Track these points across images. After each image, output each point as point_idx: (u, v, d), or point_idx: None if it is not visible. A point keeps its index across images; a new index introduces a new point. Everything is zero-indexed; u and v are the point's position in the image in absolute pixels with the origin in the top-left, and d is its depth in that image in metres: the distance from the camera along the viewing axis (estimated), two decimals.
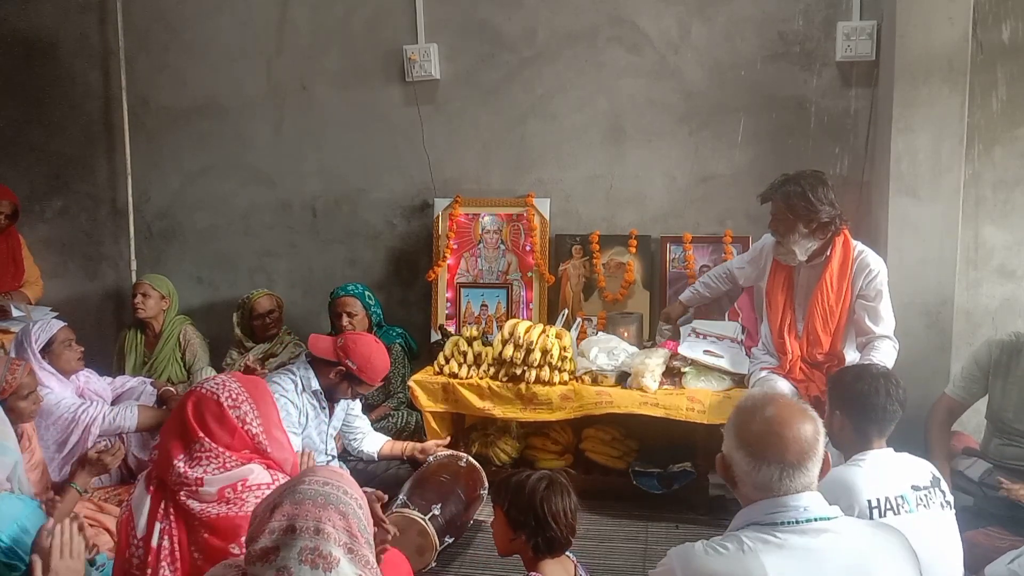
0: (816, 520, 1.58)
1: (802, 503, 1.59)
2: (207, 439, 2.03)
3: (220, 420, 2.05)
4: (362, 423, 3.47)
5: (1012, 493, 2.70)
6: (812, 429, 1.63)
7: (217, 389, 2.09)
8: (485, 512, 3.45)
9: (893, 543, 1.65)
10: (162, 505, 2.02)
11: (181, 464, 2.01)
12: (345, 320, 4.00)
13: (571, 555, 2.30)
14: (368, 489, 2.46)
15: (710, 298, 3.71)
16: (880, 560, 1.59)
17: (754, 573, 1.51)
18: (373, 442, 3.45)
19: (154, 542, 1.97)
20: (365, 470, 3.40)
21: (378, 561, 2.10)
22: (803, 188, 3.14)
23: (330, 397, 3.21)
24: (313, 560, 1.48)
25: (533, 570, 2.21)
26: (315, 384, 3.16)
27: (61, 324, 3.42)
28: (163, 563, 1.96)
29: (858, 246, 3.26)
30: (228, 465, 2.03)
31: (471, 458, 3.30)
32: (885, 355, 3.18)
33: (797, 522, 1.57)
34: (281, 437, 2.15)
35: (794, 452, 1.60)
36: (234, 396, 2.08)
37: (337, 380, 3.14)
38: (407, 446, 3.43)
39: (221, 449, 2.03)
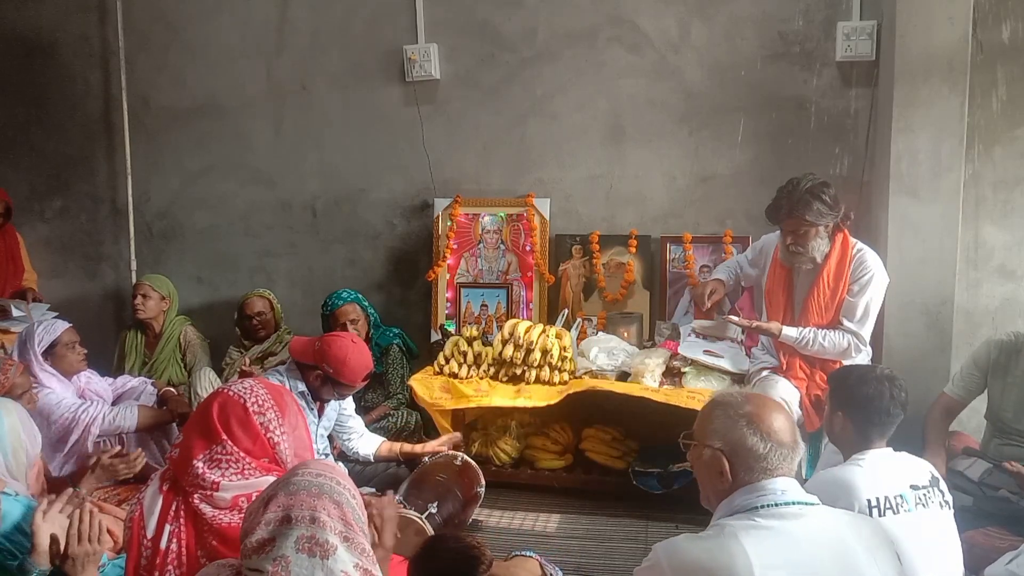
0: (795, 504, 1.62)
1: (779, 486, 1.64)
2: (229, 442, 2.01)
3: (244, 425, 2.03)
4: (355, 423, 3.45)
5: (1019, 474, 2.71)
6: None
7: (244, 393, 2.07)
8: (483, 512, 3.46)
9: (871, 531, 1.68)
10: (173, 507, 2.01)
11: (200, 464, 1.99)
12: (349, 328, 3.98)
13: (533, 553, 2.30)
14: (366, 490, 2.47)
15: (731, 286, 3.65)
16: (860, 545, 1.61)
17: (735, 555, 1.52)
18: (369, 443, 3.44)
19: (163, 544, 1.96)
20: (363, 472, 3.40)
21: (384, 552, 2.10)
22: (815, 195, 3.12)
23: (317, 397, 3.20)
24: (310, 548, 1.48)
25: None
26: (300, 386, 3.15)
27: (65, 326, 3.41)
28: (169, 566, 1.95)
29: (858, 244, 3.26)
30: (247, 473, 2.01)
31: (467, 457, 3.30)
32: (829, 341, 3.21)
33: (776, 504, 1.61)
34: (301, 448, 2.11)
35: (793, 435, 1.71)
36: (260, 402, 2.06)
37: (319, 383, 3.13)
38: (403, 446, 3.42)
39: (242, 454, 2.01)
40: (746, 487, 1.65)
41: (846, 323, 3.22)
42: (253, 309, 4.25)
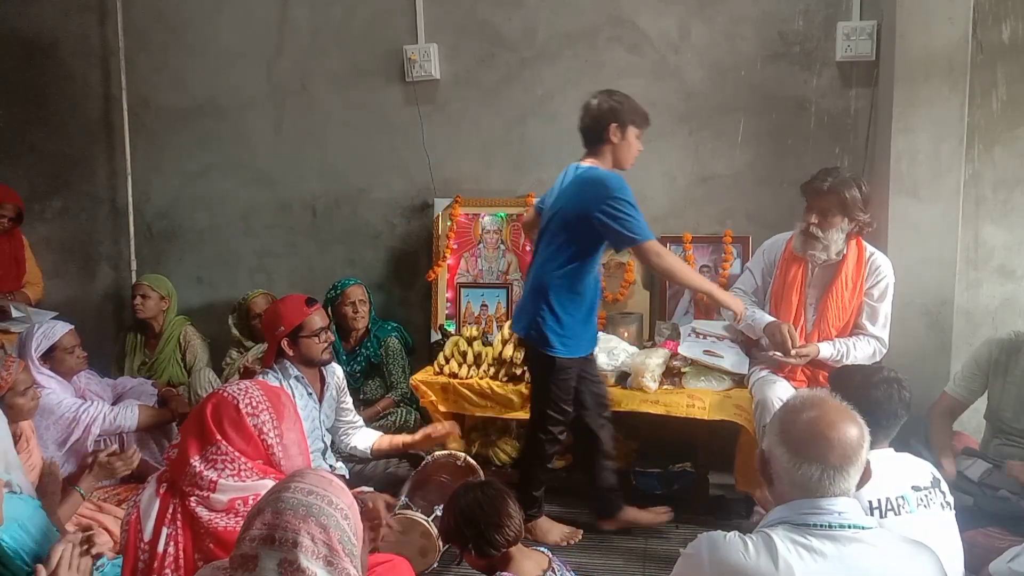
0: (851, 527, 1.56)
1: (838, 507, 1.58)
2: (224, 442, 2.01)
3: (237, 426, 2.04)
4: (353, 417, 3.45)
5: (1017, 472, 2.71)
6: (857, 434, 1.62)
7: (238, 395, 2.07)
8: None
9: (925, 563, 1.62)
10: (170, 510, 2.01)
11: (197, 464, 2.00)
12: (351, 312, 3.99)
13: (546, 550, 2.32)
14: (366, 490, 2.47)
15: None
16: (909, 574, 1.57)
17: (780, 573, 1.50)
18: (365, 438, 3.40)
19: (160, 547, 1.97)
20: (362, 472, 3.40)
21: (370, 553, 2.11)
22: (856, 184, 3.14)
23: (311, 364, 3.20)
24: (292, 573, 1.47)
25: (503, 569, 2.21)
26: (293, 371, 3.17)
27: (65, 330, 3.39)
28: (167, 569, 1.95)
29: (869, 248, 3.28)
30: (243, 475, 2.01)
31: (469, 458, 3.30)
32: (860, 350, 3.22)
33: (831, 526, 1.56)
34: (296, 452, 2.13)
35: (837, 454, 1.59)
36: (254, 404, 2.07)
37: (293, 347, 3.14)
38: (403, 439, 3.40)
39: (237, 454, 2.01)
40: (804, 500, 1.59)
41: (870, 328, 3.24)
42: (260, 308, 4.19)
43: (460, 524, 2.23)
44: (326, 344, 3.22)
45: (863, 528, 1.57)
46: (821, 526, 1.56)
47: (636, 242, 2.94)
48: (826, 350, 3.23)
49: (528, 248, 4.22)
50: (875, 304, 3.24)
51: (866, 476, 1.65)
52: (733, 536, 1.60)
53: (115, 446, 2.90)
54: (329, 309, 4.02)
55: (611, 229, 2.94)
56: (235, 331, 4.29)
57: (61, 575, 1.88)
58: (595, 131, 3.08)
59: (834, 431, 1.60)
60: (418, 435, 3.35)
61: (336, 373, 3.39)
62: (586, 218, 2.96)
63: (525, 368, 3.57)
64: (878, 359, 3.25)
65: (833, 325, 3.25)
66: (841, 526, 1.56)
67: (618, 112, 3.06)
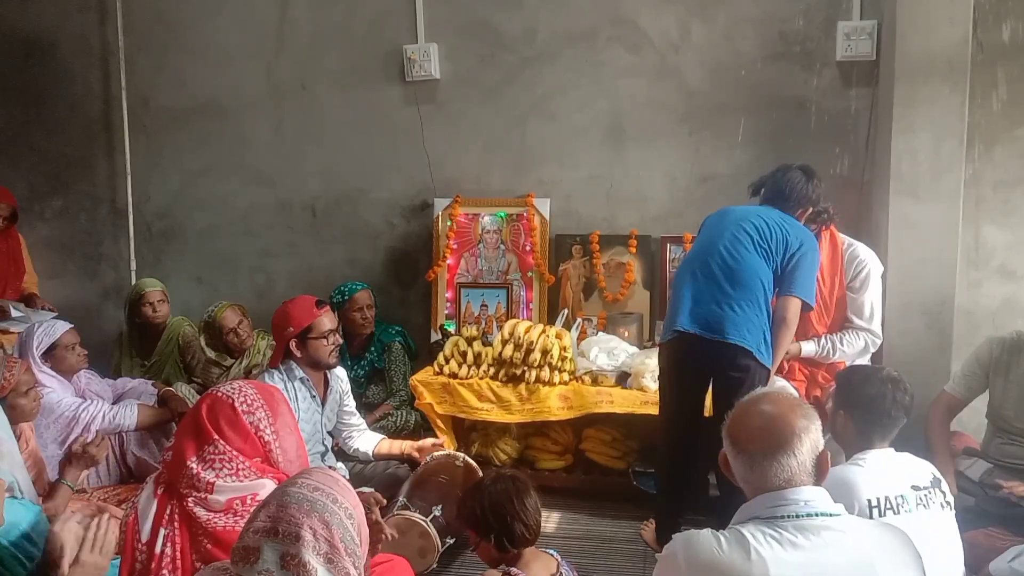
0: (818, 515, 1.57)
1: (803, 496, 1.59)
2: (221, 441, 2.01)
3: (234, 424, 2.04)
4: (356, 421, 3.46)
5: (1014, 490, 2.70)
6: (800, 425, 1.61)
7: (233, 394, 2.07)
8: None
9: (898, 544, 1.63)
10: (168, 511, 2.01)
11: (195, 465, 1.99)
12: (360, 318, 3.98)
13: (554, 553, 2.32)
14: (366, 490, 2.47)
15: None
16: (886, 562, 1.57)
17: (754, 566, 1.50)
18: (368, 441, 3.44)
19: (157, 548, 1.96)
20: (362, 472, 3.40)
21: (370, 556, 2.11)
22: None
23: (318, 367, 3.19)
24: (295, 567, 1.47)
25: (514, 565, 2.22)
26: (299, 373, 3.17)
27: (65, 328, 3.42)
28: (164, 570, 1.95)
29: (847, 240, 3.27)
30: (241, 475, 2.01)
31: (468, 458, 3.30)
32: (848, 345, 3.23)
33: (798, 516, 1.56)
34: (292, 449, 2.13)
35: (768, 443, 1.60)
36: (249, 402, 2.07)
37: (300, 349, 3.14)
38: (404, 445, 3.42)
39: (235, 452, 2.01)
40: (770, 494, 1.60)
41: (857, 321, 3.23)
42: (231, 322, 4.01)
43: (487, 513, 2.23)
44: (334, 347, 3.22)
45: (831, 515, 1.58)
46: (788, 516, 1.57)
47: (798, 294, 2.93)
48: (808, 348, 3.24)
49: (529, 248, 4.22)
50: (856, 296, 3.24)
51: (822, 468, 1.64)
52: (706, 533, 1.60)
53: (87, 436, 2.92)
54: (336, 314, 4.01)
55: (800, 270, 2.94)
56: (210, 351, 4.07)
57: (84, 558, 1.86)
58: (794, 202, 3.12)
59: (763, 421, 1.62)
60: (417, 444, 3.38)
61: (340, 377, 3.39)
62: (790, 246, 2.95)
63: (525, 368, 3.56)
64: (873, 351, 3.24)
65: (818, 323, 3.25)
66: (809, 515, 1.57)
67: (818, 202, 3.17)
